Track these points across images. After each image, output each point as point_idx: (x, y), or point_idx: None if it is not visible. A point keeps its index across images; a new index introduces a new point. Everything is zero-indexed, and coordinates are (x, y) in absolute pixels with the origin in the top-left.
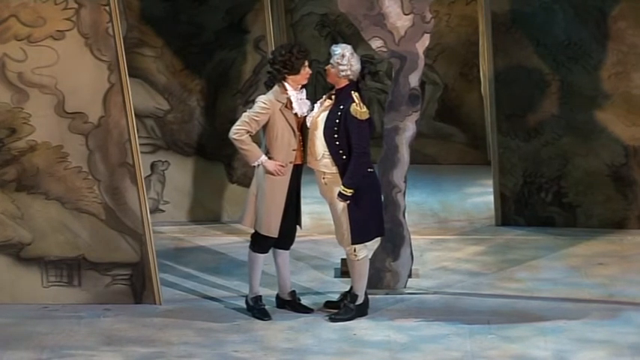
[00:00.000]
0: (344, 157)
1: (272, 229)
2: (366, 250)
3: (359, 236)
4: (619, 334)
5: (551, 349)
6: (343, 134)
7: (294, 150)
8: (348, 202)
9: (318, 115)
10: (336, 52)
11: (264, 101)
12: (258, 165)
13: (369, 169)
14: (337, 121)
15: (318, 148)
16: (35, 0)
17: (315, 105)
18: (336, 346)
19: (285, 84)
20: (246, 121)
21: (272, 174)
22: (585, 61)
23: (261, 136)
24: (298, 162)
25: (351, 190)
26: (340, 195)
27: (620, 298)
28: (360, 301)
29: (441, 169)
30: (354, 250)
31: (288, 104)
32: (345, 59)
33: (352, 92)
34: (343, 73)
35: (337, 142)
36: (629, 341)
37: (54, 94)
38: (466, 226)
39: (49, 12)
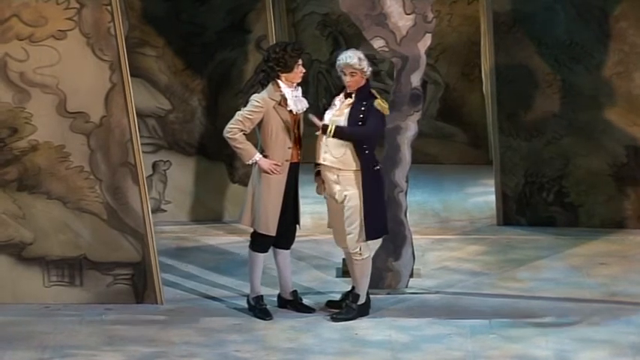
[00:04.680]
0: (367, 151)
1: (270, 228)
2: (369, 250)
3: (374, 232)
4: (620, 334)
5: (552, 348)
6: None
7: (289, 148)
8: (320, 131)
9: (340, 113)
10: (353, 61)
11: (257, 99)
12: (254, 163)
13: (378, 166)
14: (361, 116)
15: (339, 144)
16: (37, 0)
17: (335, 102)
18: (337, 346)
19: (279, 82)
20: (239, 120)
21: (267, 172)
22: (587, 61)
23: (258, 134)
24: (294, 160)
25: (331, 133)
26: (323, 127)
27: (622, 298)
28: (361, 300)
29: (443, 169)
30: (360, 249)
31: (283, 102)
32: (363, 61)
33: (371, 90)
34: (368, 73)
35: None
36: (631, 341)
37: (55, 93)
38: (467, 226)
39: (51, 12)
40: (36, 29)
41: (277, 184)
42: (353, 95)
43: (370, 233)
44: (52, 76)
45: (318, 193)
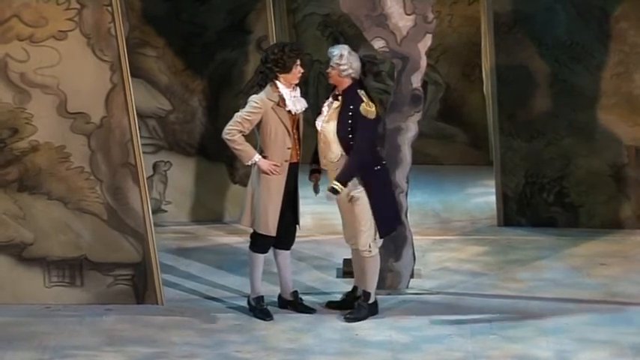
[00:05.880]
0: None
1: (270, 228)
2: (377, 247)
3: (386, 228)
4: (621, 335)
5: (552, 349)
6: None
7: (288, 148)
8: (335, 197)
9: (328, 120)
10: (334, 53)
11: (255, 100)
12: (254, 164)
13: (380, 166)
14: (350, 121)
15: (334, 150)
16: (37, 0)
17: (323, 108)
18: (338, 346)
19: (277, 82)
20: (238, 121)
21: (266, 173)
22: (587, 62)
23: (257, 135)
24: (294, 160)
25: (342, 186)
26: (331, 190)
27: (622, 299)
28: (372, 299)
29: (443, 170)
30: (369, 247)
31: (281, 102)
32: (344, 58)
33: (358, 91)
34: (345, 73)
35: (352, 142)
36: (631, 341)
37: (56, 94)
38: (468, 227)
39: (52, 12)
40: (36, 30)
41: (277, 184)
42: (340, 97)
43: (382, 231)
44: (53, 77)
45: (315, 192)
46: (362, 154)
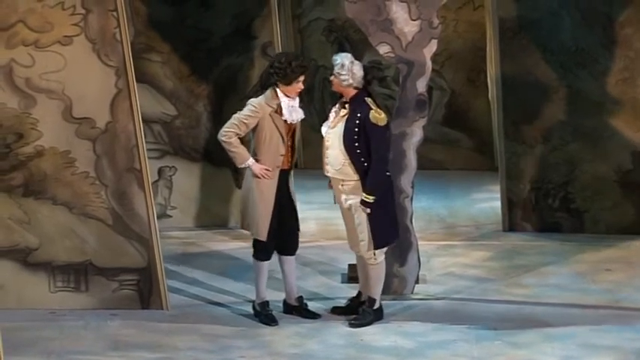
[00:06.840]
0: (365, 164)
1: (260, 232)
2: (382, 254)
3: (382, 240)
4: (626, 340)
5: (557, 355)
6: (363, 142)
7: (281, 155)
8: (369, 210)
9: (335, 125)
10: (336, 62)
11: (254, 104)
12: (247, 167)
13: (386, 174)
14: (356, 129)
15: (337, 157)
16: (43, 5)
17: (330, 114)
18: (343, 352)
19: (278, 90)
20: (235, 124)
21: (258, 177)
22: (592, 67)
23: (251, 138)
24: (285, 167)
25: (373, 197)
26: (362, 202)
27: (627, 304)
28: (377, 305)
29: (448, 175)
30: (374, 254)
31: (279, 110)
32: (344, 68)
33: (365, 99)
34: (345, 83)
35: (358, 150)
36: (636, 347)
37: (61, 99)
38: (473, 232)
39: (57, 17)
40: (42, 35)
41: (268, 190)
42: (347, 106)
43: (378, 242)
44: (58, 82)
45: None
46: (383, 160)
